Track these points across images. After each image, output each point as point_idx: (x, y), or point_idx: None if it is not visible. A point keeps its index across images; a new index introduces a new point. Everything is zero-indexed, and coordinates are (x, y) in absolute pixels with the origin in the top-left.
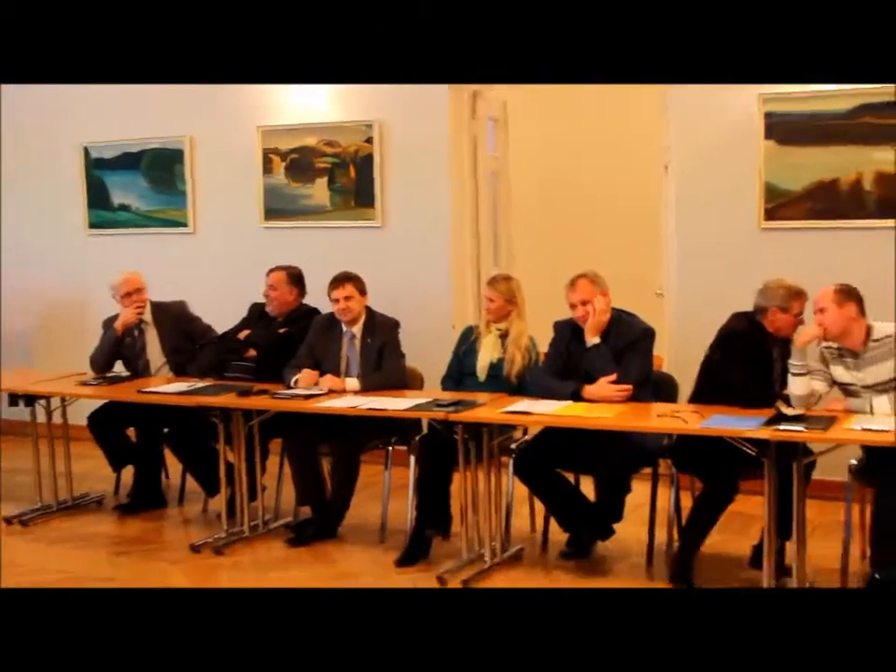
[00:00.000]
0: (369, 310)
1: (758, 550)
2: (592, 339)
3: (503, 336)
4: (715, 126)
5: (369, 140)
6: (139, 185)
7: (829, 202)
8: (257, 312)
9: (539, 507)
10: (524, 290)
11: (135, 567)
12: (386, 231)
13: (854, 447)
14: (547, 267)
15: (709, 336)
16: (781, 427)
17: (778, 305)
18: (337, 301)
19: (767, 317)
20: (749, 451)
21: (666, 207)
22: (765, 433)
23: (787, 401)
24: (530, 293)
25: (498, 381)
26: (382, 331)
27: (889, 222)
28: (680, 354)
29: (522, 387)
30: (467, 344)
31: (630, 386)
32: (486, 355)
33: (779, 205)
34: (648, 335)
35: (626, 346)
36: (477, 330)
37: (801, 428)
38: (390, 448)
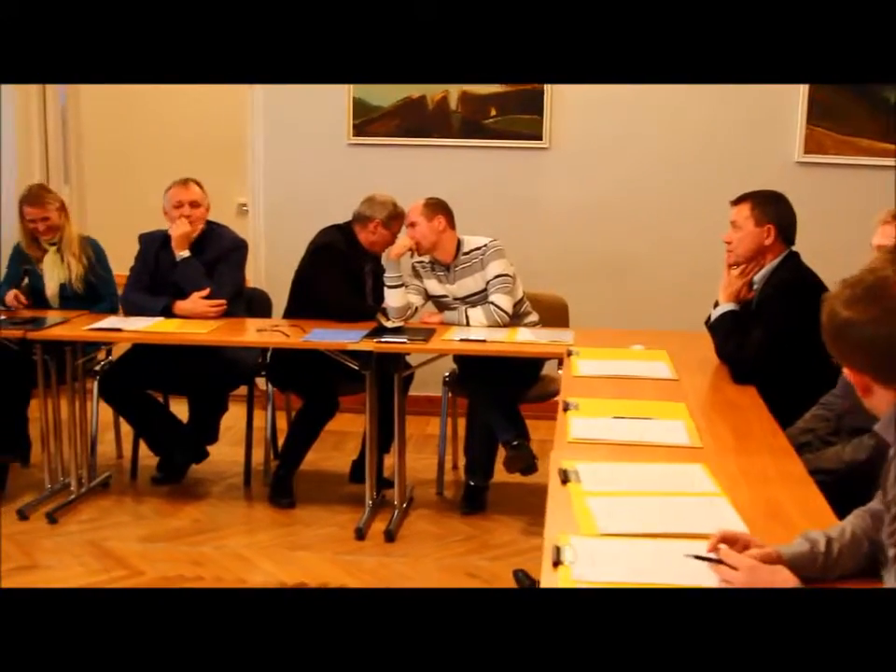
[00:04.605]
0: None
1: (357, 465)
2: (181, 252)
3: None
4: None
5: None
6: None
7: (416, 119)
8: None
9: (127, 431)
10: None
11: None
12: None
13: (447, 363)
14: (126, 184)
15: (299, 251)
16: (384, 339)
17: (383, 220)
18: None
19: (367, 228)
20: (352, 365)
21: (253, 121)
22: (369, 345)
23: (386, 315)
24: (110, 211)
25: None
26: None
27: (473, 141)
28: (270, 270)
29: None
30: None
31: (224, 302)
32: (54, 276)
33: (368, 121)
34: (239, 246)
35: (218, 258)
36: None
37: (403, 340)
38: None
